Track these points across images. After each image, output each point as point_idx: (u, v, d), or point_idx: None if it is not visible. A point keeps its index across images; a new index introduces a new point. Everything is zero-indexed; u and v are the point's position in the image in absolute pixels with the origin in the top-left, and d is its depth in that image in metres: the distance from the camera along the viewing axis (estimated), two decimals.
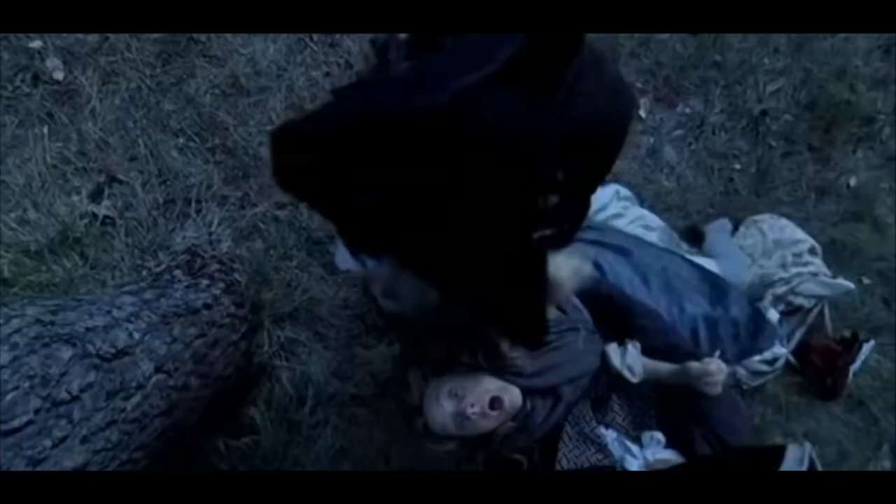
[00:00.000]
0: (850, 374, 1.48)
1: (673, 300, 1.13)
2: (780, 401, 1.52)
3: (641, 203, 1.39)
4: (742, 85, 1.51)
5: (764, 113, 1.51)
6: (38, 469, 0.65)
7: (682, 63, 1.49)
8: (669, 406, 0.94)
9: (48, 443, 0.68)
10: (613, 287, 1.07)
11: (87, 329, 0.83)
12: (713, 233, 1.39)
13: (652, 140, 1.49)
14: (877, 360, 1.55)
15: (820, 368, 1.45)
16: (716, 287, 1.20)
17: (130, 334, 0.90)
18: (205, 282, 1.29)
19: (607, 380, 0.95)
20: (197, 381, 1.05)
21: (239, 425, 1.35)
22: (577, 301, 1.00)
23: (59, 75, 1.44)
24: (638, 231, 1.25)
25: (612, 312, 1.01)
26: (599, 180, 0.85)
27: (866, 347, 1.50)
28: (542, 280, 0.71)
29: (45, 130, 1.43)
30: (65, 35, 1.43)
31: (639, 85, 1.48)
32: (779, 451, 0.63)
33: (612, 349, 0.94)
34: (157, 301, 1.07)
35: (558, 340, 0.93)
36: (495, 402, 0.87)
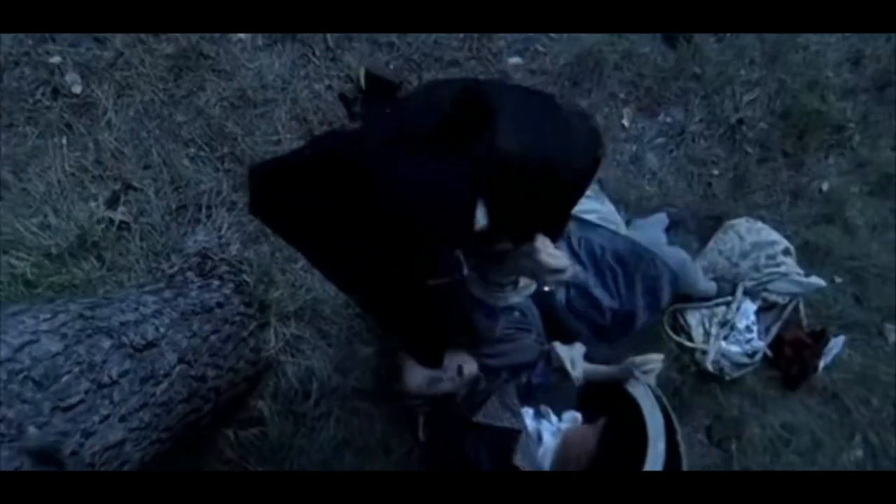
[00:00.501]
0: (819, 366, 1.62)
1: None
2: (757, 393, 1.65)
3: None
4: (720, 95, 1.65)
5: (740, 121, 1.65)
6: (87, 441, 0.79)
7: (662, 75, 1.63)
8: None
9: (96, 419, 0.81)
10: (554, 303, 1.23)
11: (121, 323, 0.96)
12: (647, 223, 1.53)
13: (635, 147, 1.62)
14: (849, 354, 1.69)
15: (790, 359, 1.59)
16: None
17: (157, 328, 1.04)
18: (216, 282, 1.42)
19: (543, 372, 1.11)
20: (213, 372, 1.18)
21: (247, 417, 1.48)
22: (533, 306, 1.17)
23: (77, 89, 1.57)
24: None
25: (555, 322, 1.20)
26: (549, 218, 0.86)
27: (837, 342, 1.64)
28: (441, 317, 0.84)
29: (64, 141, 1.56)
30: (83, 51, 1.57)
31: (622, 96, 1.62)
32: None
33: (560, 347, 1.10)
34: (176, 300, 1.21)
35: (515, 335, 1.10)
36: (461, 370, 1.09)
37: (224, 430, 1.46)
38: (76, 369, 0.81)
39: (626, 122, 1.61)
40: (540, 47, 1.60)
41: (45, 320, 0.85)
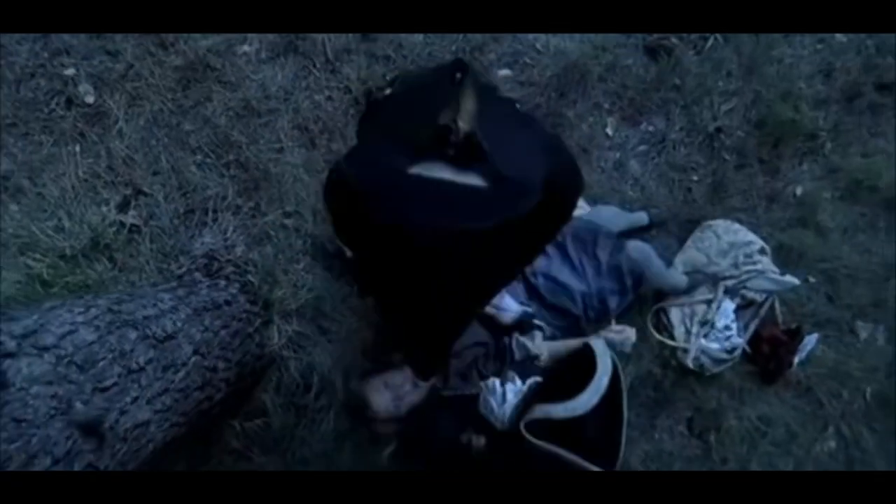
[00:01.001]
0: (794, 362, 1.76)
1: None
2: (735, 387, 1.79)
3: None
4: (699, 105, 1.79)
5: (718, 130, 1.80)
6: (121, 419, 0.92)
7: (644, 86, 1.78)
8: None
9: (128, 399, 0.94)
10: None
11: (144, 317, 1.10)
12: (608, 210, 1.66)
13: (618, 155, 1.77)
14: (822, 350, 1.83)
15: (767, 355, 1.73)
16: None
17: (174, 323, 1.17)
18: (223, 282, 1.56)
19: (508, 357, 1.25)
20: (223, 364, 1.32)
21: (252, 408, 1.62)
22: None
23: (89, 99, 1.71)
24: None
25: None
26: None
27: (811, 339, 1.79)
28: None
29: (78, 148, 1.70)
30: (95, 63, 1.71)
31: (606, 106, 1.77)
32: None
33: (518, 340, 1.24)
34: (188, 297, 1.34)
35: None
36: (417, 383, 1.22)
37: (230, 421, 1.59)
38: (109, 356, 0.95)
39: (609, 131, 1.76)
40: (528, 60, 1.74)
41: (79, 313, 0.99)
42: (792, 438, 1.83)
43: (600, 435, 1.21)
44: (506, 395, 1.14)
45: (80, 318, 0.97)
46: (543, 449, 1.12)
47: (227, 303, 1.46)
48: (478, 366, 1.26)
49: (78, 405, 0.83)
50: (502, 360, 1.28)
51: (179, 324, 1.18)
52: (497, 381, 1.20)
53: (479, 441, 1.21)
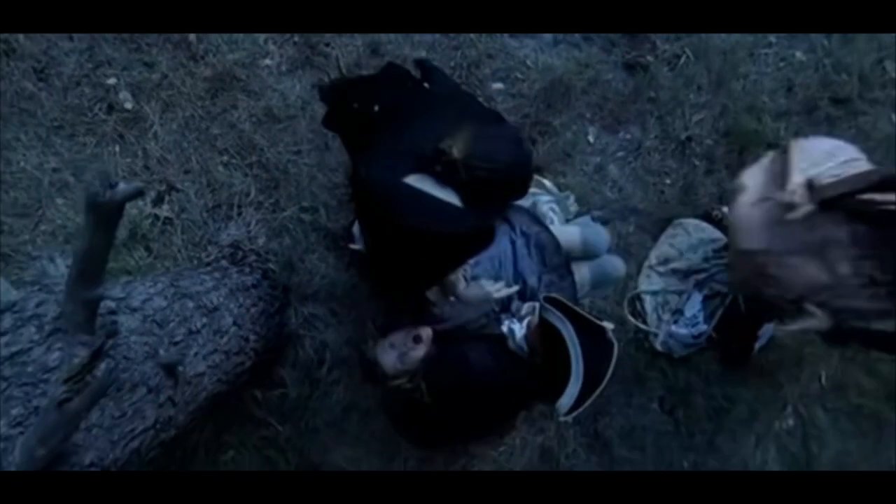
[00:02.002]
0: (755, 347, 2.09)
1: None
2: (702, 369, 2.12)
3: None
4: (672, 116, 2.13)
5: (689, 139, 2.13)
6: (187, 368, 1.25)
7: (623, 99, 2.11)
8: None
9: (192, 353, 1.27)
10: None
11: (196, 291, 1.43)
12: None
13: (599, 160, 2.10)
14: (783, 337, 2.16)
15: (730, 341, 2.06)
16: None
17: (218, 298, 1.50)
18: (247, 269, 1.89)
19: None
20: (253, 336, 1.65)
21: (271, 381, 1.94)
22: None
23: (128, 105, 2.04)
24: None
25: None
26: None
27: (769, 328, 2.11)
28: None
29: (117, 149, 2.03)
30: (134, 73, 2.04)
31: (588, 116, 2.11)
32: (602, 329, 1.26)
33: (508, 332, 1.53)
34: (224, 280, 1.67)
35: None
36: (417, 337, 1.48)
37: (253, 391, 1.92)
38: (177, 319, 1.28)
39: (591, 139, 2.09)
40: (519, 75, 2.08)
41: (150, 287, 1.32)
42: (754, 416, 2.16)
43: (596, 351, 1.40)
44: (513, 331, 1.45)
45: (151, 290, 1.30)
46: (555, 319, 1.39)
47: (254, 286, 1.79)
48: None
49: (161, 352, 1.16)
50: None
51: (221, 299, 1.51)
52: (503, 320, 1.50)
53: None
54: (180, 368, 1.20)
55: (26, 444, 0.85)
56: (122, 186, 0.91)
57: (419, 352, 1.46)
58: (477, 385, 1.44)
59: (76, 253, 0.99)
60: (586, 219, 1.94)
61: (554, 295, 1.42)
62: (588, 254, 1.80)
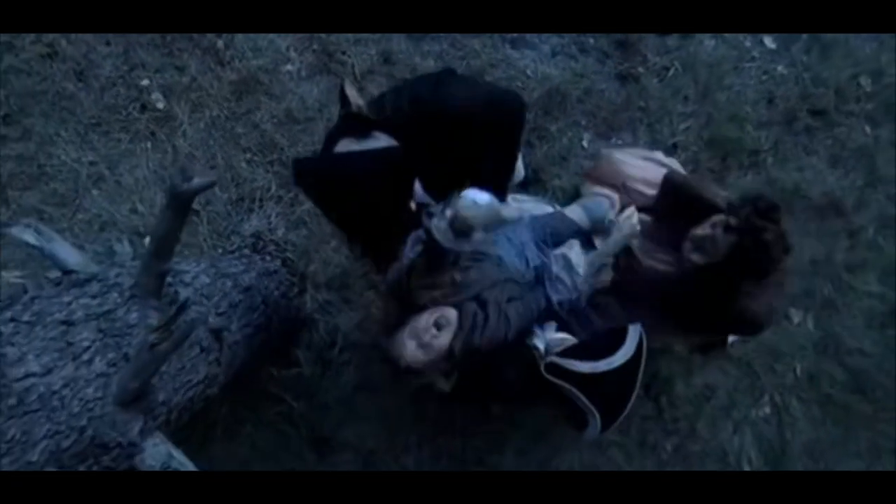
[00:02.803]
0: (729, 341, 2.38)
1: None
2: (684, 359, 2.42)
3: None
4: (660, 124, 2.43)
5: (675, 145, 2.43)
6: (228, 334, 1.55)
7: (615, 107, 2.42)
8: None
9: (234, 327, 1.57)
10: None
11: (232, 272, 1.73)
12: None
13: (593, 163, 2.40)
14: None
15: None
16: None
17: (249, 279, 1.80)
18: (268, 257, 2.19)
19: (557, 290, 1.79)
20: (275, 316, 1.95)
21: (287, 360, 2.24)
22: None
23: (160, 105, 2.35)
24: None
25: None
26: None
27: None
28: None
29: (149, 145, 2.33)
30: (166, 76, 2.35)
31: (583, 122, 2.41)
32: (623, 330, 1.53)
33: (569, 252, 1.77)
34: (251, 265, 1.97)
35: (473, 264, 1.63)
36: (439, 321, 1.49)
37: (270, 369, 2.22)
38: (219, 294, 1.58)
39: (585, 144, 2.40)
40: (519, 83, 2.39)
41: (195, 266, 1.62)
42: (732, 404, 2.46)
43: (612, 391, 1.63)
44: (570, 261, 1.70)
45: (197, 269, 1.60)
46: (558, 385, 1.57)
47: (276, 272, 2.10)
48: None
49: (210, 319, 1.46)
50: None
51: (252, 281, 1.82)
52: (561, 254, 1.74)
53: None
54: (225, 334, 1.50)
55: (122, 379, 1.15)
56: (196, 180, 1.21)
57: (444, 339, 1.48)
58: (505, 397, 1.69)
59: (153, 233, 1.29)
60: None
61: (552, 360, 1.62)
62: (595, 226, 1.97)
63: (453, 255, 1.57)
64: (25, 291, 1.22)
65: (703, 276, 1.71)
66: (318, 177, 1.60)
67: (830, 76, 2.51)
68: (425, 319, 1.50)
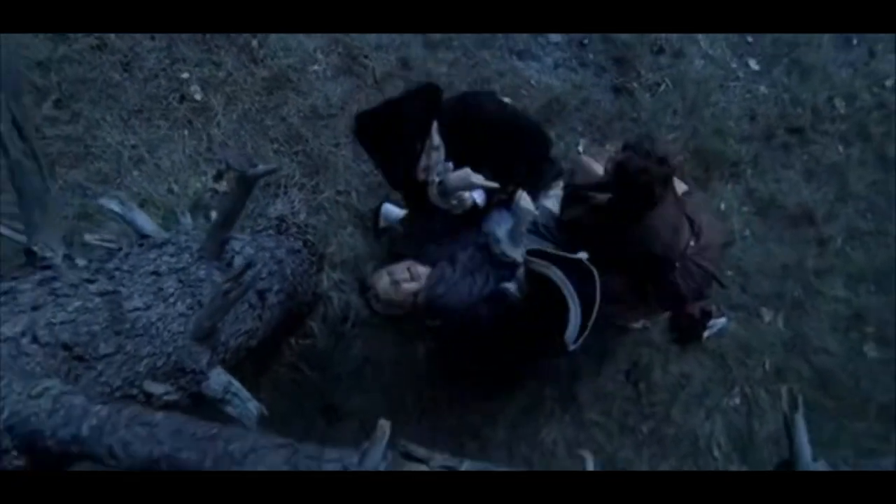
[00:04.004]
0: (704, 336, 2.83)
1: None
2: (662, 348, 2.87)
3: None
4: (650, 136, 2.89)
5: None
6: (268, 295, 1.99)
7: (609, 117, 2.89)
8: None
9: (272, 298, 2.02)
10: None
11: (269, 247, 2.19)
12: None
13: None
14: (734, 326, 2.91)
15: (682, 320, 2.80)
16: None
17: (281, 254, 2.25)
18: (291, 238, 2.64)
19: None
20: (300, 288, 2.40)
21: (303, 332, 2.69)
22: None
23: (198, 96, 2.80)
24: None
25: None
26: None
27: (721, 321, 2.86)
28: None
29: (186, 133, 2.79)
30: (204, 70, 2.81)
31: (579, 129, 2.88)
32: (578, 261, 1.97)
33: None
34: (279, 244, 2.42)
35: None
36: (409, 269, 2.10)
37: (288, 339, 2.67)
38: (262, 262, 2.03)
39: (580, 149, 2.86)
40: (523, 91, 2.85)
41: (242, 241, 2.06)
42: (706, 393, 2.91)
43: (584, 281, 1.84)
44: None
45: (243, 242, 2.06)
46: (538, 272, 1.89)
47: (298, 251, 2.55)
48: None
49: (259, 282, 1.91)
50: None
51: (284, 256, 2.27)
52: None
53: None
54: (267, 294, 1.95)
55: (198, 319, 1.60)
56: (260, 167, 1.66)
57: (412, 286, 2.06)
58: (486, 331, 2.12)
59: (221, 208, 1.74)
60: None
61: (534, 247, 2.02)
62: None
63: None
64: (120, 249, 1.67)
65: (602, 212, 2.14)
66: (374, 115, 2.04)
67: (808, 97, 2.98)
68: (403, 266, 2.13)
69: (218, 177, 2.77)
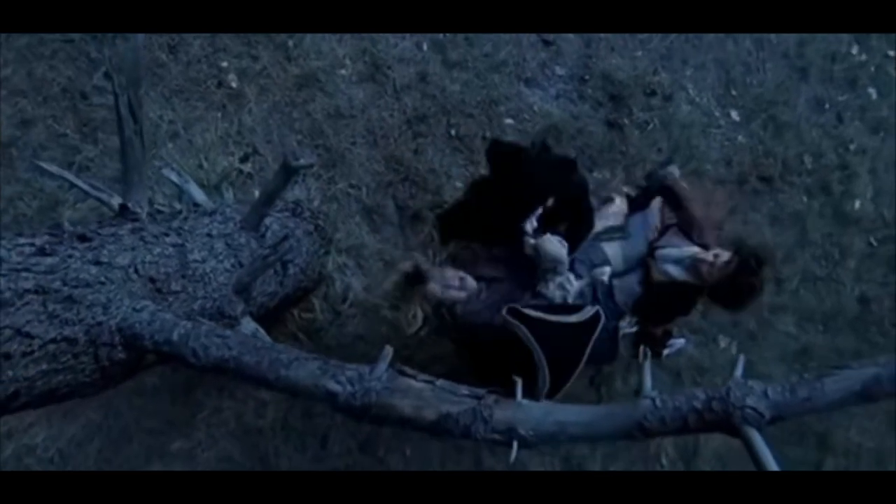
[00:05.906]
0: (662, 354, 3.44)
1: None
2: (626, 362, 3.48)
3: None
4: (635, 167, 3.53)
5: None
6: (290, 267, 2.58)
7: (600, 147, 3.52)
8: None
9: (291, 269, 2.61)
10: None
11: (291, 227, 2.77)
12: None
13: None
14: (692, 350, 3.53)
15: (645, 337, 3.42)
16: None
17: (300, 233, 2.84)
18: (305, 221, 3.23)
19: None
20: (308, 267, 2.98)
21: (306, 306, 3.27)
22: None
23: (234, 84, 3.39)
24: None
25: None
26: None
27: (680, 341, 3.47)
28: None
29: (219, 115, 3.38)
30: (242, 62, 3.40)
31: (572, 156, 3.48)
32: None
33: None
34: (298, 225, 3.01)
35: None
36: (462, 280, 2.69)
37: (292, 311, 3.25)
38: (293, 237, 2.61)
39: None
40: (526, 116, 3.47)
41: (270, 219, 2.65)
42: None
43: (562, 347, 2.17)
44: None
45: (271, 220, 2.63)
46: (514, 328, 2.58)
47: (311, 233, 3.13)
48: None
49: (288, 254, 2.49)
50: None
51: (300, 236, 2.85)
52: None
53: None
54: (290, 265, 2.53)
55: (239, 276, 2.18)
56: (302, 160, 2.24)
57: (460, 294, 2.49)
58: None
59: (264, 188, 2.32)
60: None
61: (514, 306, 2.22)
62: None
63: None
64: (180, 212, 2.25)
65: (672, 289, 2.74)
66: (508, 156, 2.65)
67: (780, 151, 3.63)
68: (457, 274, 2.55)
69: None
